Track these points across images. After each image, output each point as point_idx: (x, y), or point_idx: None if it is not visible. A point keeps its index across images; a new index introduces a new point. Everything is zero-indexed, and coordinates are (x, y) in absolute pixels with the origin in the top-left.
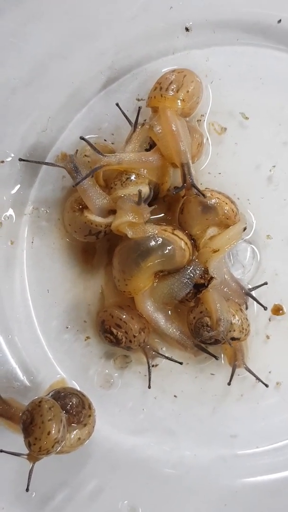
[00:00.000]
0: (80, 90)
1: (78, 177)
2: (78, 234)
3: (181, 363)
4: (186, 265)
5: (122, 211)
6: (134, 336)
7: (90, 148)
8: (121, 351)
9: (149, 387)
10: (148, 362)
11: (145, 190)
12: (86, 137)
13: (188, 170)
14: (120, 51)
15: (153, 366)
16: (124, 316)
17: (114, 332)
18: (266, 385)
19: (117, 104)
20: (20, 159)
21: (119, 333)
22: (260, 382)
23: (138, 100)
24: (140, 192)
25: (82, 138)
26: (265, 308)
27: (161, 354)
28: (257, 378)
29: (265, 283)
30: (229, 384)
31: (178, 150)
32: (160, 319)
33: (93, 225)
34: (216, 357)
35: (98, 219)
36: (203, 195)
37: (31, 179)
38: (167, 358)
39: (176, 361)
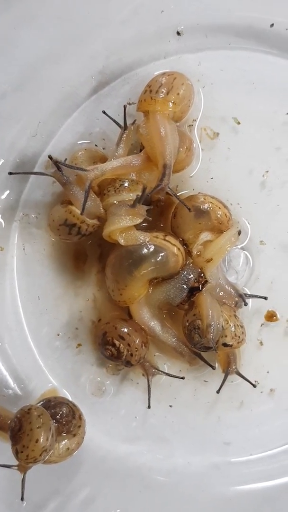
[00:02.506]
0: (70, 95)
1: (67, 183)
2: (61, 231)
3: (182, 378)
4: (180, 270)
5: (115, 217)
6: (136, 350)
7: (81, 156)
8: None
9: (149, 407)
10: (148, 380)
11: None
12: (79, 142)
13: (168, 172)
14: (111, 56)
15: (143, 375)
16: (127, 329)
17: (117, 344)
18: (254, 385)
19: (104, 112)
20: (10, 173)
21: (121, 345)
22: (254, 389)
23: (129, 104)
24: (137, 196)
25: (49, 157)
26: (266, 298)
27: (161, 371)
28: (247, 380)
29: (265, 298)
30: (218, 392)
31: (162, 151)
32: (156, 326)
33: (71, 214)
34: (213, 367)
35: (77, 212)
36: (177, 197)
37: (21, 185)
38: (167, 374)
39: (177, 377)
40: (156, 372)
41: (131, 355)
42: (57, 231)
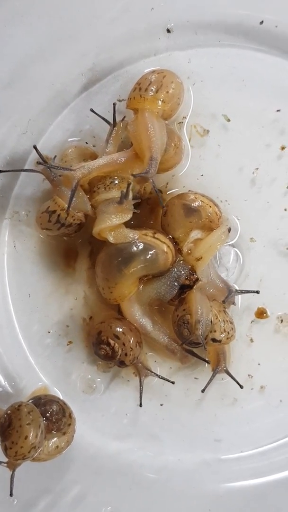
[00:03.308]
0: (60, 92)
1: (55, 180)
2: (42, 219)
3: (173, 383)
4: (171, 268)
5: (105, 214)
6: (131, 349)
7: (71, 153)
8: None
9: (141, 405)
10: (140, 381)
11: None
12: (69, 139)
13: (154, 165)
14: (101, 53)
15: (134, 374)
16: (122, 328)
17: (111, 343)
18: (241, 386)
19: (92, 110)
20: (0, 171)
21: (116, 344)
22: (244, 387)
23: (119, 101)
24: (122, 192)
25: (39, 163)
26: (258, 292)
27: (153, 373)
28: (235, 380)
29: (257, 292)
30: (202, 391)
31: (149, 145)
32: (147, 323)
33: (54, 201)
34: (207, 361)
35: (61, 201)
36: (160, 191)
37: (11, 182)
38: (159, 377)
39: (168, 380)
40: (149, 373)
41: (126, 354)
42: (39, 219)
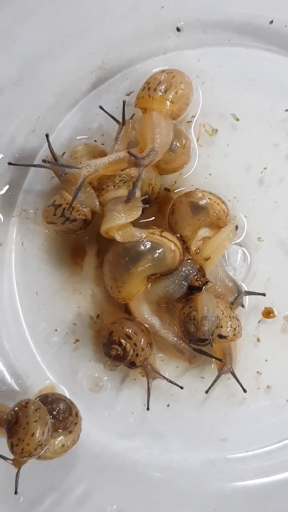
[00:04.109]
0: (69, 90)
1: (63, 175)
2: (48, 213)
3: (181, 388)
4: (179, 266)
5: (113, 213)
6: (142, 350)
7: (81, 150)
8: None
9: (148, 408)
10: (148, 383)
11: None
12: (78, 138)
13: (153, 156)
14: (111, 51)
15: (141, 374)
16: (134, 329)
17: (123, 343)
18: (245, 390)
19: (101, 107)
20: (10, 163)
21: (128, 344)
22: (251, 386)
23: (128, 95)
24: (129, 191)
25: (44, 161)
26: (264, 295)
27: (162, 376)
28: (239, 383)
29: (263, 294)
30: (206, 392)
31: (153, 138)
32: (156, 322)
33: (60, 196)
34: (220, 360)
35: (69, 196)
36: (168, 189)
37: (20, 180)
38: (168, 380)
39: (177, 385)
40: (157, 376)
41: (137, 355)
42: (45, 213)
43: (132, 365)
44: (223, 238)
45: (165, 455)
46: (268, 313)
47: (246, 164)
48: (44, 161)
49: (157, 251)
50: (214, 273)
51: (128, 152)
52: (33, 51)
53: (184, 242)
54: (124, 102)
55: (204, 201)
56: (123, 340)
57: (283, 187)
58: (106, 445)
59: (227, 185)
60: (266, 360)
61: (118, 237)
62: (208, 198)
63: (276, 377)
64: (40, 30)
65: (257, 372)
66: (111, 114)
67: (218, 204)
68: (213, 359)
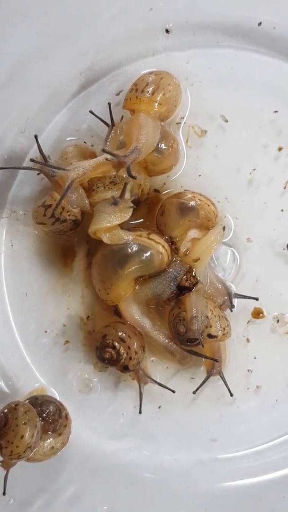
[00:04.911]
0: (59, 91)
1: (54, 176)
2: (37, 213)
3: (173, 391)
4: (167, 268)
5: (103, 214)
6: (135, 353)
7: (71, 151)
8: None
9: (140, 412)
10: (140, 388)
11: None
12: (67, 139)
13: (136, 154)
14: (100, 52)
15: (132, 378)
16: (127, 332)
17: (117, 346)
18: (231, 394)
19: (91, 111)
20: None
21: (121, 348)
22: (240, 386)
23: (117, 94)
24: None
25: (32, 160)
26: (257, 299)
27: (153, 380)
28: (226, 386)
29: (256, 299)
30: (194, 393)
31: (138, 137)
32: (147, 323)
33: (50, 196)
34: (216, 360)
35: (58, 196)
36: (133, 177)
37: (9, 181)
38: (160, 384)
39: (169, 389)
40: (149, 381)
41: (130, 358)
42: (35, 213)
43: (125, 369)
44: (211, 240)
45: (156, 456)
46: (257, 314)
47: (235, 165)
48: (32, 160)
49: (145, 253)
50: (203, 274)
51: (103, 150)
52: (23, 52)
53: (173, 243)
54: (109, 104)
55: (194, 202)
56: (116, 343)
57: (272, 188)
58: (97, 446)
59: (216, 187)
60: (255, 359)
61: (105, 239)
62: (198, 199)
63: (266, 377)
64: (29, 31)
65: (248, 371)
66: (100, 117)
67: (208, 205)
68: (203, 361)
